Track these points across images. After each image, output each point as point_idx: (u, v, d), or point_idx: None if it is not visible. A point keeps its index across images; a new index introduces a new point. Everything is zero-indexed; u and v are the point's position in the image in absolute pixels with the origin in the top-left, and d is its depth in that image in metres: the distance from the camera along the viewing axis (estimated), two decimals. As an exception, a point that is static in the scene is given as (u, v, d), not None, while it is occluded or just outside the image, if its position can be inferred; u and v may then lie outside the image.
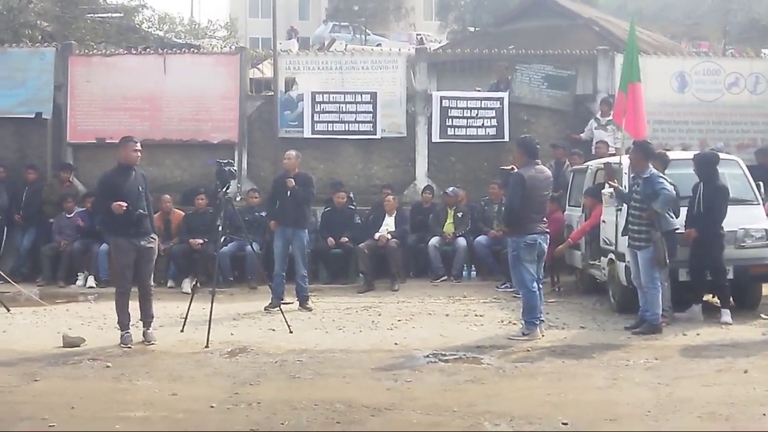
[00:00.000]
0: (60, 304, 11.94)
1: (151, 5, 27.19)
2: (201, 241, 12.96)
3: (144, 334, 9.21)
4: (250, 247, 12.03)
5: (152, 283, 9.53)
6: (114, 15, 23.13)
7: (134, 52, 16.81)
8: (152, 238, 9.38)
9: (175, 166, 15.23)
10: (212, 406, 6.72)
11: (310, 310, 11.15)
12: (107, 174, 9.36)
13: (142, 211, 9.13)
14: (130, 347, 8.95)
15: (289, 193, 11.13)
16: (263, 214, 13.08)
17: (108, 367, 8.16)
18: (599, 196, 11.17)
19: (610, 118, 14.23)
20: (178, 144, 15.14)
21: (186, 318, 9.65)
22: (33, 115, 15.26)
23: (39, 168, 14.95)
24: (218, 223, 10.15)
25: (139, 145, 9.38)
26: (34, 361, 8.38)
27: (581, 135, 14.72)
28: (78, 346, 9.01)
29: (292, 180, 11.15)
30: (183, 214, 13.71)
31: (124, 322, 9.19)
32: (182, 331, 9.53)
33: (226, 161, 10.27)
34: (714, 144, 14.18)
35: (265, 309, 11.01)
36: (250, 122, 15.54)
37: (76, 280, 13.58)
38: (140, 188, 9.22)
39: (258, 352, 8.73)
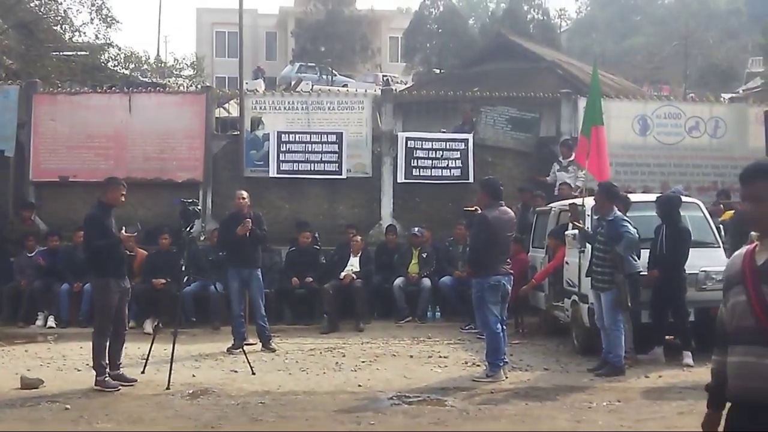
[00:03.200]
0: (19, 345, 11.76)
1: (117, 44, 27.13)
2: (164, 280, 12.85)
3: (120, 376, 9.05)
4: (213, 287, 11.94)
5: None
6: (80, 53, 23.07)
7: (100, 90, 16.79)
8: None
9: (140, 204, 15.12)
10: (172, 450, 6.62)
11: (273, 351, 11.06)
12: (94, 213, 9.19)
13: (130, 252, 9.11)
14: (119, 390, 8.79)
15: (248, 234, 11.04)
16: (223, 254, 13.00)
17: (67, 409, 8.02)
18: (563, 238, 11.26)
19: (572, 159, 14.41)
20: (143, 183, 15.05)
21: (147, 359, 9.53)
22: (-5, 153, 15.13)
23: (0, 206, 14.77)
24: (181, 263, 10.06)
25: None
26: (-9, 404, 8.22)
27: (546, 178, 14.83)
28: (36, 387, 8.85)
29: (249, 221, 11.05)
30: (146, 253, 13.59)
31: (103, 365, 8.98)
32: (143, 372, 9.39)
33: (191, 200, 10.21)
34: (674, 186, 14.37)
35: (227, 350, 10.92)
36: (215, 161, 15.52)
37: (36, 320, 13.37)
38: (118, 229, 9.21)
39: (220, 394, 8.64)
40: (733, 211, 11.99)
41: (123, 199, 9.35)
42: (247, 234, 11.00)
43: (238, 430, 7.28)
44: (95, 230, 9.06)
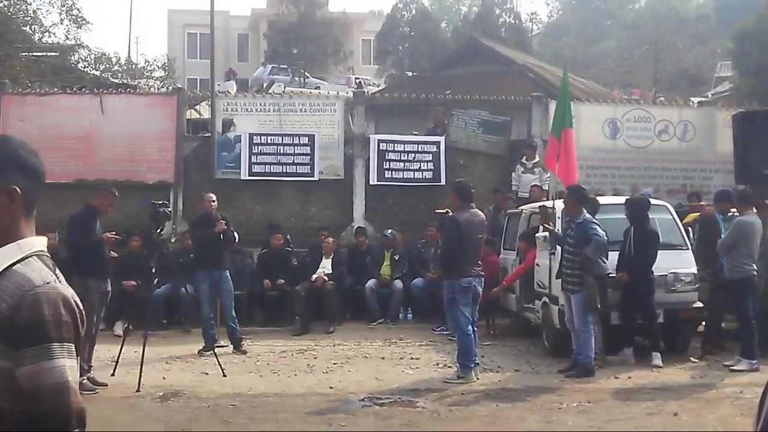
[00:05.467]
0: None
1: (87, 45, 26.92)
2: (134, 282, 12.78)
3: (92, 379, 8.98)
4: (184, 289, 11.91)
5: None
6: (49, 54, 22.89)
7: (69, 91, 16.66)
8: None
9: (111, 211, 14.97)
10: (143, 452, 6.59)
11: (244, 353, 11.03)
12: (80, 214, 9.20)
13: (114, 253, 9.12)
14: (96, 392, 8.73)
15: (222, 236, 11.01)
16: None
17: (35, 412, 7.94)
18: (533, 240, 11.33)
19: (536, 161, 14.51)
20: (113, 184, 14.88)
21: (117, 361, 9.47)
22: (-37, 154, 14.93)
23: (-32, 208, 14.60)
24: (152, 265, 10.01)
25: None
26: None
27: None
28: (5, 390, 8.76)
29: (223, 222, 11.02)
30: (116, 255, 13.48)
31: (83, 367, 8.89)
32: (113, 374, 9.34)
33: (161, 202, 10.16)
34: (643, 189, 14.49)
35: (198, 352, 10.87)
36: (186, 163, 15.46)
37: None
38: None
39: (190, 396, 8.60)
40: (698, 213, 12.11)
41: (110, 209, 9.42)
42: (221, 236, 10.97)
43: (209, 432, 7.27)
44: (78, 230, 9.04)
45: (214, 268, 11.08)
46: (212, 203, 11.22)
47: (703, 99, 24.82)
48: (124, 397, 8.56)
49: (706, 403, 8.32)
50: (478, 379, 9.24)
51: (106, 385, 8.98)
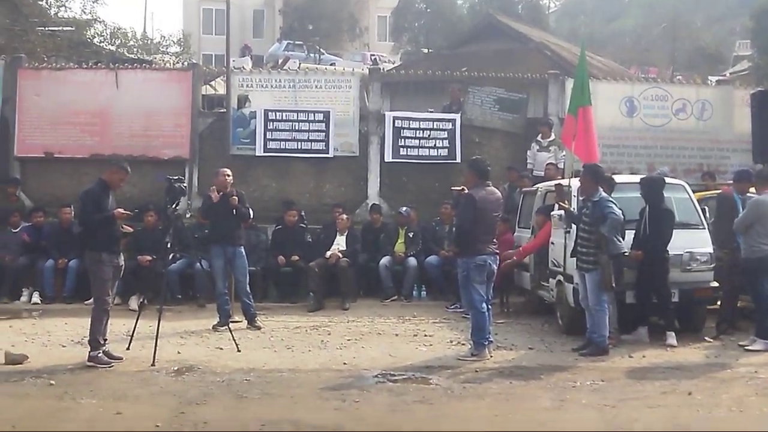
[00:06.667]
0: (3, 320, 11.70)
1: (103, 19, 26.91)
2: (149, 257, 12.83)
3: (107, 353, 9.04)
4: (198, 264, 11.94)
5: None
6: (65, 28, 22.85)
7: (85, 66, 16.66)
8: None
9: (125, 182, 15.01)
10: (157, 426, 6.62)
11: (258, 328, 11.06)
12: (93, 189, 9.20)
13: (129, 228, 9.15)
14: (112, 366, 8.79)
15: (235, 211, 11.03)
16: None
17: (51, 384, 8.01)
18: (549, 215, 11.30)
19: (552, 139, 14.46)
20: (128, 159, 14.87)
21: (132, 335, 9.51)
22: (-21, 129, 15.02)
23: (-16, 182, 14.69)
24: (167, 240, 10.03)
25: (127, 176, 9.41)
26: (-25, 379, 8.20)
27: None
28: (21, 363, 8.84)
29: (236, 198, 11.05)
30: (131, 230, 13.52)
31: (98, 341, 8.95)
32: (128, 348, 9.38)
33: (177, 178, 10.17)
34: (659, 168, 14.42)
35: (213, 327, 10.91)
36: (201, 139, 15.47)
37: (21, 296, 13.32)
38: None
39: (205, 371, 8.64)
40: (708, 192, 12.05)
41: (122, 185, 9.47)
42: (233, 211, 10.99)
43: (223, 407, 7.29)
44: (90, 205, 9.07)
45: (228, 244, 11.11)
46: (227, 177, 11.23)
47: (721, 78, 24.66)
48: (139, 371, 8.61)
49: (721, 383, 8.30)
50: (491, 356, 9.24)
51: (122, 358, 9.03)
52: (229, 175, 11.28)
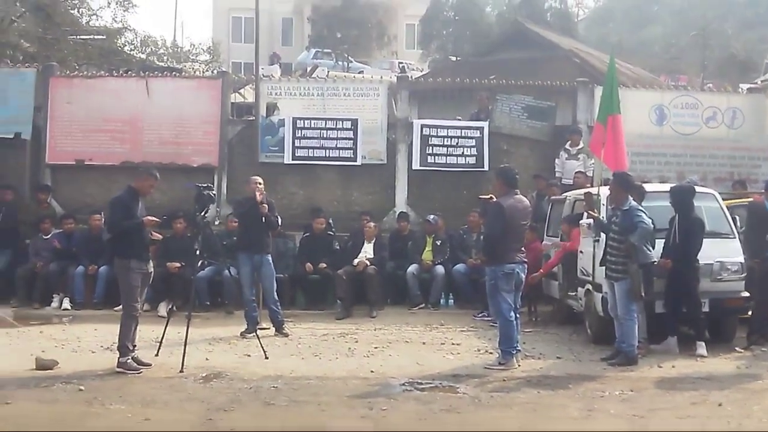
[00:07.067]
0: (34, 326, 11.83)
1: (133, 28, 27.18)
2: (178, 264, 12.90)
3: (136, 359, 9.10)
4: (227, 271, 12.00)
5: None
6: (96, 37, 23.12)
7: (116, 74, 16.83)
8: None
9: (155, 189, 15.12)
10: (185, 432, 6.66)
11: (286, 335, 11.09)
12: (122, 196, 9.29)
13: (158, 235, 9.24)
14: (141, 372, 8.87)
15: (264, 219, 11.08)
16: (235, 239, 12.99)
17: (81, 390, 8.09)
18: (575, 224, 11.25)
19: (581, 147, 14.40)
20: (158, 167, 14.93)
21: (161, 342, 9.56)
22: (12, 136, 15.17)
23: (16, 188, 14.83)
24: (196, 247, 10.09)
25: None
26: (6, 384, 8.27)
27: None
28: (51, 368, 8.92)
29: (266, 206, 11.10)
30: (160, 237, 13.61)
31: (127, 347, 9.02)
32: (157, 354, 9.43)
33: (206, 185, 10.25)
34: (689, 177, 14.31)
35: (241, 334, 10.96)
36: (230, 146, 15.54)
37: (51, 302, 13.45)
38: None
39: (233, 377, 8.68)
40: (737, 200, 11.94)
41: (152, 191, 9.58)
42: (263, 219, 11.04)
43: (251, 414, 7.32)
44: (120, 212, 9.14)
45: (255, 252, 11.16)
46: (258, 185, 11.27)
47: (752, 85, 24.39)
48: (168, 378, 8.66)
49: (752, 394, 8.22)
50: (519, 365, 9.21)
51: (150, 365, 9.09)
52: (260, 184, 11.33)
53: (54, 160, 15.36)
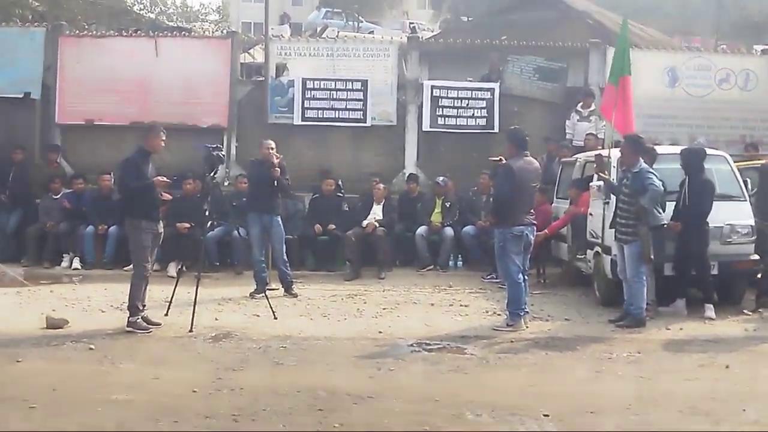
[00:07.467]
0: (44, 286, 11.91)
1: (143, -13, 27.03)
2: (188, 225, 12.93)
3: (146, 319, 9.16)
4: (236, 232, 12.03)
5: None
6: (106, -4, 22.99)
7: (125, 34, 16.71)
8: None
9: (164, 149, 15.12)
10: (195, 391, 6.71)
11: (295, 296, 11.14)
12: (133, 157, 9.30)
13: (168, 195, 9.25)
14: (150, 331, 8.93)
15: (276, 183, 11.08)
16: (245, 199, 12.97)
17: (91, 349, 8.15)
18: (583, 188, 11.21)
19: (592, 109, 14.30)
20: (167, 127, 14.91)
21: (171, 302, 9.61)
22: (21, 95, 15.15)
23: (26, 148, 14.83)
24: (205, 208, 10.11)
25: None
26: (17, 343, 8.36)
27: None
28: (61, 327, 8.99)
29: (278, 170, 11.09)
30: (170, 197, 13.63)
31: (137, 307, 9.07)
32: (167, 314, 9.48)
33: (215, 146, 10.23)
34: (696, 139, 14.20)
35: (250, 295, 11.01)
36: (240, 107, 15.49)
37: (62, 261, 13.52)
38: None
39: (242, 337, 8.73)
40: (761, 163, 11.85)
41: (162, 146, 9.47)
42: (275, 182, 11.05)
43: (260, 373, 7.36)
44: (131, 172, 9.15)
45: (265, 213, 11.18)
46: (270, 149, 11.26)
47: (766, 47, 24.13)
48: (177, 337, 8.72)
49: (760, 356, 8.25)
50: (527, 327, 9.24)
51: (160, 324, 9.14)
52: (272, 148, 11.32)
53: (64, 120, 15.34)
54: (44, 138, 15.31)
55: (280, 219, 11.37)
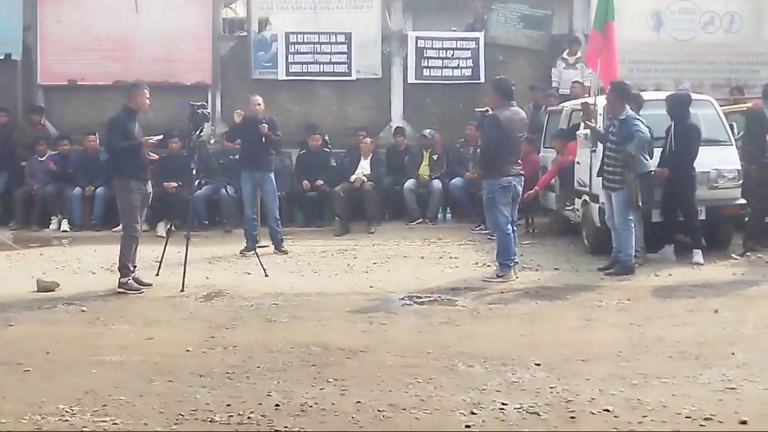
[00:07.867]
0: (34, 248, 11.89)
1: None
2: (175, 184, 12.89)
3: (137, 279, 9.16)
4: (224, 190, 12.00)
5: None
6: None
7: (104, -10, 16.45)
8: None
9: (149, 107, 14.99)
10: (188, 350, 6.73)
11: (285, 253, 11.15)
12: (118, 116, 9.22)
13: (154, 155, 9.19)
14: (142, 292, 8.93)
15: (264, 139, 11.04)
16: (237, 157, 12.94)
17: (83, 311, 8.16)
18: (567, 138, 11.20)
19: (579, 56, 14.23)
20: (151, 85, 14.77)
21: (161, 262, 9.62)
22: (2, 57, 14.98)
23: (9, 111, 14.70)
24: (192, 167, 10.06)
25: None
26: (9, 306, 8.34)
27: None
28: (52, 290, 8.98)
29: (266, 126, 11.05)
30: (156, 157, 13.55)
31: (128, 267, 9.05)
32: (158, 275, 9.49)
33: (200, 103, 10.13)
34: (681, 84, 14.16)
35: (240, 252, 11.02)
36: (223, 63, 15.37)
37: (50, 224, 13.49)
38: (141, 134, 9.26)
39: (233, 295, 8.75)
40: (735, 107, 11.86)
41: (148, 103, 9.37)
42: (263, 139, 11.00)
43: (252, 331, 7.40)
44: (117, 132, 9.08)
45: (257, 169, 11.15)
46: (258, 106, 11.21)
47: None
48: (169, 297, 8.73)
49: (747, 300, 8.31)
50: (517, 277, 9.28)
51: (151, 285, 9.16)
52: (260, 104, 11.27)
53: (46, 81, 15.20)
54: (27, 100, 15.18)
55: (273, 176, 11.34)
